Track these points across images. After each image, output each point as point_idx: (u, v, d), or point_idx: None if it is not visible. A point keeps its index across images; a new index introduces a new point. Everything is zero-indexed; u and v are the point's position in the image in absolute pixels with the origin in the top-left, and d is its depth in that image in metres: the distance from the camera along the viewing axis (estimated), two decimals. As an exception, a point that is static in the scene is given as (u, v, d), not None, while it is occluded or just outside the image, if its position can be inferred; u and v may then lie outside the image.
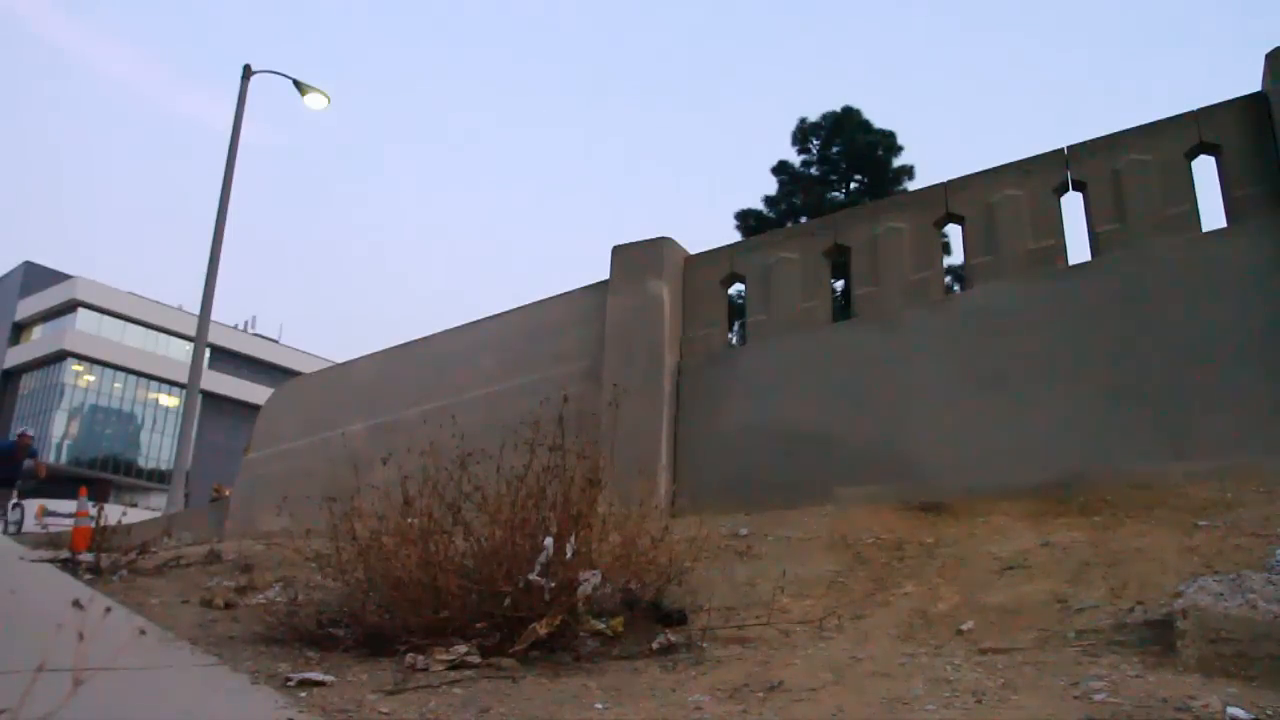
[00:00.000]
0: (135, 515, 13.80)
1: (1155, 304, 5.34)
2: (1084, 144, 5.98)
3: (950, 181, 6.47)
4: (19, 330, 51.02)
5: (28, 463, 13.33)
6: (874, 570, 4.50)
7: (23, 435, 13.52)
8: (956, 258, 12.27)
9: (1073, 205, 5.94)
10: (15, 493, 13.42)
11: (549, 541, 3.69)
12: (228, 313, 62.22)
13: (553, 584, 3.63)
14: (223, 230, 14.51)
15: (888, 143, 22.72)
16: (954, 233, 7.52)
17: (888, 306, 6.33)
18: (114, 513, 7.21)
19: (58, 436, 47.80)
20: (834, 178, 23.06)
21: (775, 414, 6.37)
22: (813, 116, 23.18)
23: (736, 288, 7.54)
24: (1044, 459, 5.27)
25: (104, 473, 46.93)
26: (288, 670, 3.32)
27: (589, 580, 3.65)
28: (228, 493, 13.77)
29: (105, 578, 5.89)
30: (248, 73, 15.27)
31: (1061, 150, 6.04)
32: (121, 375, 50.28)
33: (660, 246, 7.32)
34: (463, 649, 3.48)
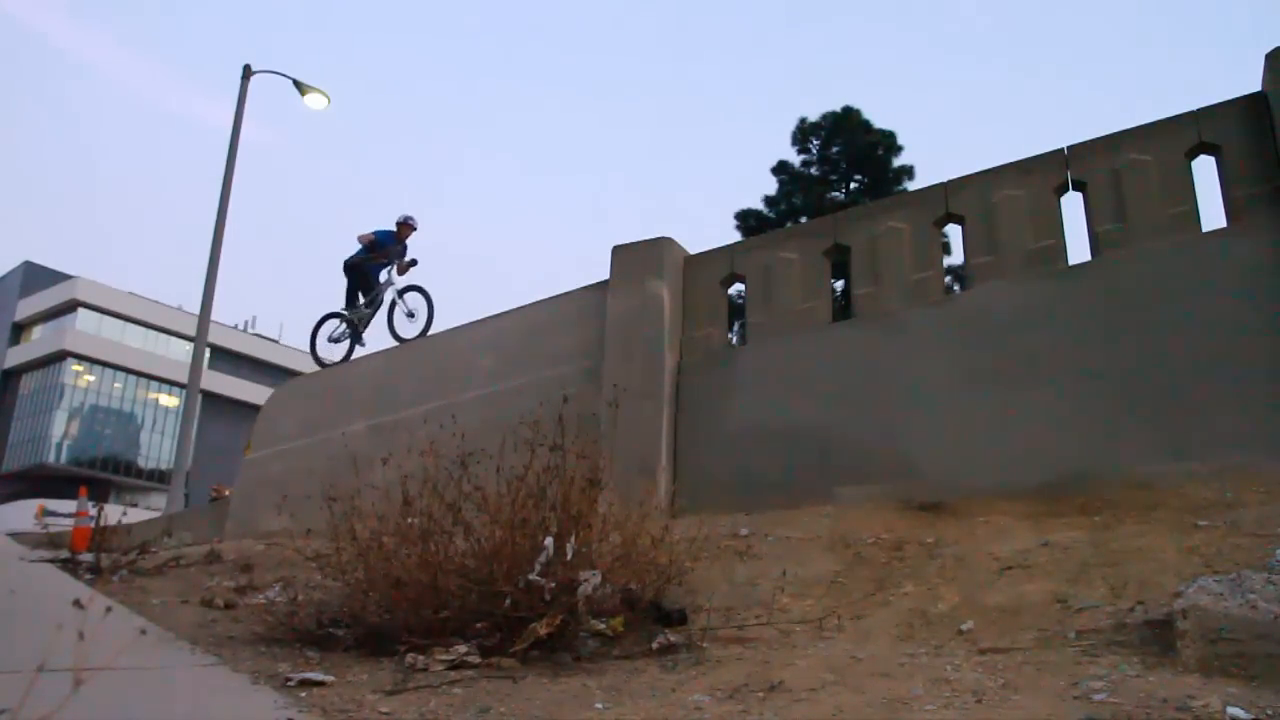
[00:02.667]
0: (135, 515, 13.44)
1: (1155, 304, 5.33)
2: (1084, 144, 5.97)
3: (950, 181, 6.47)
4: (19, 330, 51.02)
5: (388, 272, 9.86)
6: (874, 570, 4.50)
7: (406, 223, 9.96)
8: (956, 258, 12.26)
9: (1073, 205, 5.95)
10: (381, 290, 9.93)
11: (549, 541, 3.70)
12: (228, 313, 62.25)
13: (553, 584, 3.63)
14: (223, 230, 14.50)
15: (888, 143, 22.70)
16: (954, 233, 7.52)
17: (888, 306, 6.33)
18: (114, 513, 7.20)
19: (58, 436, 47.80)
20: (834, 178, 23.03)
21: (775, 414, 6.37)
22: (813, 116, 23.18)
23: (736, 288, 7.54)
24: (1044, 459, 5.26)
25: (104, 473, 46.93)
26: (288, 670, 3.32)
27: (589, 580, 3.65)
28: (228, 493, 13.77)
29: (105, 578, 5.89)
30: (248, 73, 15.27)
31: (1061, 150, 6.04)
32: (121, 375, 50.29)
33: (660, 246, 7.31)
34: (463, 649, 3.48)
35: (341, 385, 9.73)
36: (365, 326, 9.91)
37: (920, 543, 4.73)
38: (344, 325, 9.93)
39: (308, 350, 10.14)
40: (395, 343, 9.48)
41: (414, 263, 9.81)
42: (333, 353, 9.82)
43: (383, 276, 9.86)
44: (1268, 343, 5.00)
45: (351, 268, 9.87)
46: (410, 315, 9.41)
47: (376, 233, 9.83)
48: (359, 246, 9.86)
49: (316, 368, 10.24)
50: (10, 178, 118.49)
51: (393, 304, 9.60)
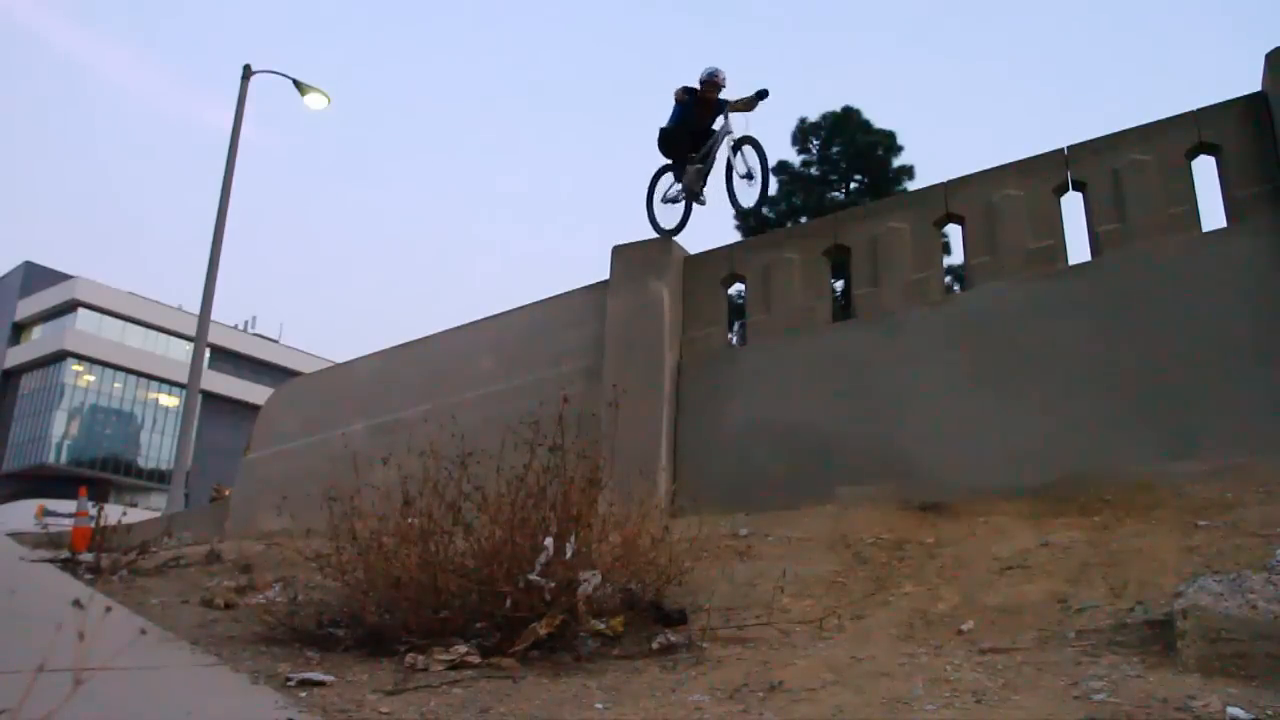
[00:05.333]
0: (135, 515, 13.38)
1: (1155, 304, 5.34)
2: (1084, 144, 5.98)
3: (950, 181, 6.47)
4: (19, 330, 51.00)
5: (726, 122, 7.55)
6: (874, 570, 4.50)
7: (711, 79, 7.61)
8: (956, 258, 12.27)
9: (1073, 205, 5.95)
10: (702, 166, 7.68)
11: (549, 541, 3.70)
12: (228, 313, 62.01)
13: (553, 584, 3.63)
14: (223, 230, 14.49)
15: (888, 143, 22.66)
16: (954, 233, 7.52)
17: (888, 306, 6.33)
18: (114, 513, 7.20)
19: (58, 436, 47.79)
20: (834, 178, 23.00)
21: (775, 414, 6.37)
22: (813, 116, 23.17)
23: (736, 288, 7.53)
24: (1044, 459, 5.26)
25: (104, 473, 46.93)
26: (288, 670, 3.32)
27: (589, 580, 3.65)
28: (228, 493, 13.78)
29: (105, 578, 5.89)
30: (248, 73, 15.26)
31: (1061, 150, 6.04)
32: (121, 375, 50.27)
33: (660, 246, 7.32)
34: (463, 649, 3.48)
35: (341, 385, 9.74)
36: (701, 185, 7.90)
37: (920, 543, 4.73)
38: (679, 185, 7.96)
39: (645, 215, 8.07)
40: (733, 210, 7.93)
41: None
42: (669, 217, 8.01)
43: (717, 124, 7.80)
44: (1268, 342, 5.00)
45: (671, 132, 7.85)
46: (748, 177, 7.52)
47: (679, 98, 7.82)
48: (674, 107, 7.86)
49: (653, 232, 7.97)
50: (11, 178, 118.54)
51: (729, 164, 7.64)
